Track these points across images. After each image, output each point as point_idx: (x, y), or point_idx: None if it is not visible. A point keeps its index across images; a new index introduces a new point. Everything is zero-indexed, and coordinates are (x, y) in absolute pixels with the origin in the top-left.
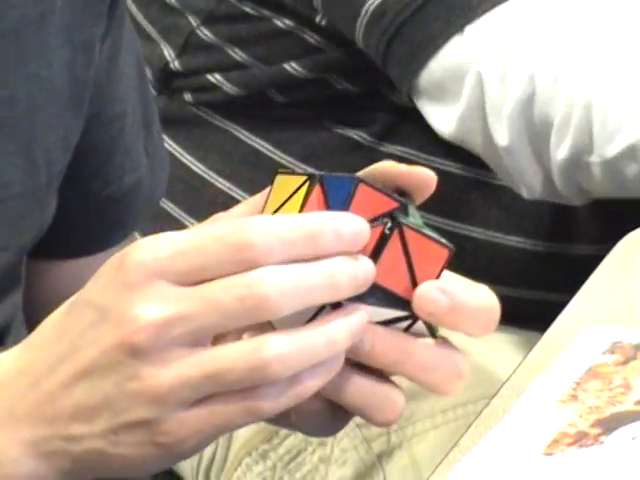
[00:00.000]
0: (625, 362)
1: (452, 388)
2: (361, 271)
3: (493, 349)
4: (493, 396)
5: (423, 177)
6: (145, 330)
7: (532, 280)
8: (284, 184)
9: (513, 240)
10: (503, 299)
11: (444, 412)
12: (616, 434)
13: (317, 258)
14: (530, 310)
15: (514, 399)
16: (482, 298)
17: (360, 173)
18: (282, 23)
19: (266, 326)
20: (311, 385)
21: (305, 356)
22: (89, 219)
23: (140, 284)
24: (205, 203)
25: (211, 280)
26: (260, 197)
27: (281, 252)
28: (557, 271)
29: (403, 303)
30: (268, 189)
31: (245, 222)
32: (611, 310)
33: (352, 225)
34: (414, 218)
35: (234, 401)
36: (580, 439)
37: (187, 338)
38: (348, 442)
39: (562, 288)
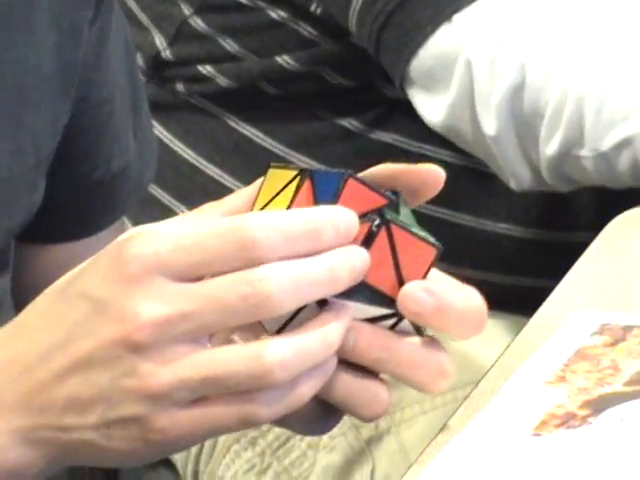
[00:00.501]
0: (614, 343)
1: (436, 387)
2: (358, 261)
3: (482, 334)
4: (481, 378)
5: (429, 174)
6: (147, 327)
7: (522, 267)
8: (276, 177)
9: (503, 227)
10: (492, 286)
11: (432, 398)
12: (604, 415)
13: (315, 253)
14: (519, 296)
15: (502, 381)
16: (469, 300)
17: (360, 174)
18: (276, 14)
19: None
20: (308, 391)
21: (304, 361)
22: (78, 203)
23: (140, 278)
24: (195, 190)
25: (211, 276)
26: (252, 188)
27: (284, 248)
28: (547, 258)
29: (389, 301)
30: (260, 180)
31: (247, 218)
32: (599, 293)
33: (345, 217)
34: (405, 216)
35: (230, 406)
36: (568, 420)
37: (188, 336)
38: (337, 428)
39: (552, 275)
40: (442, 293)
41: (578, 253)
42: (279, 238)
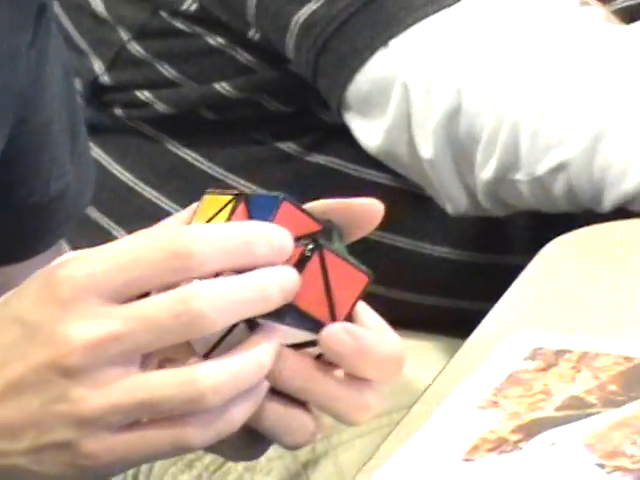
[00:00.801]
0: (546, 368)
1: (357, 419)
2: (288, 281)
3: (419, 357)
4: (415, 402)
5: (367, 208)
6: (78, 351)
7: (458, 290)
8: (211, 203)
9: (440, 250)
10: (429, 308)
11: (369, 421)
12: (535, 440)
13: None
14: (456, 319)
15: (436, 405)
16: (390, 346)
17: None
18: (214, 41)
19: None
20: (240, 415)
21: (238, 383)
22: (15, 226)
23: (72, 301)
24: (133, 213)
25: (149, 291)
26: (186, 212)
27: (219, 260)
28: (483, 281)
29: (318, 326)
30: (195, 205)
31: (183, 230)
32: (533, 316)
33: (279, 233)
34: (338, 244)
35: (163, 431)
36: (500, 445)
37: (121, 358)
38: (274, 451)
39: (488, 298)
40: (364, 337)
41: (514, 276)
42: (214, 250)
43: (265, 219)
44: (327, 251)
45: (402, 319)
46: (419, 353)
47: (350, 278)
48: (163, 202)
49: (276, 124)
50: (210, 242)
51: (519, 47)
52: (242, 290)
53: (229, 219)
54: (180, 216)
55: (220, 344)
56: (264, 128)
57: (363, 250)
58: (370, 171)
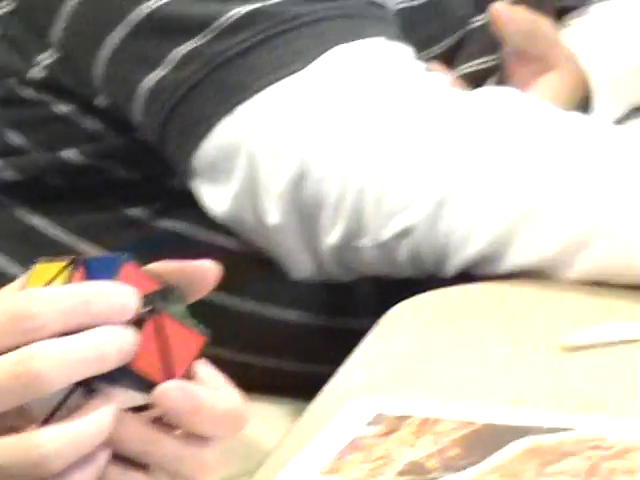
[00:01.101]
0: (388, 433)
1: (198, 479)
2: (126, 341)
3: (265, 421)
4: (259, 468)
5: (201, 270)
6: None
7: (305, 353)
8: (44, 271)
9: (286, 313)
10: (275, 371)
11: None
12: None
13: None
14: (303, 382)
15: (280, 470)
16: (226, 402)
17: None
18: (60, 109)
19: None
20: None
21: (79, 447)
22: None
23: None
24: None
25: None
26: (12, 287)
27: (58, 321)
28: (330, 345)
29: (154, 388)
30: (24, 277)
31: (22, 293)
32: (376, 381)
33: (121, 294)
34: (177, 304)
35: None
36: None
37: None
38: None
39: (335, 361)
40: (197, 393)
41: (360, 340)
42: (51, 310)
43: (106, 280)
44: (163, 313)
45: (247, 382)
46: (265, 417)
47: (186, 339)
48: (14, 269)
49: (124, 190)
50: (48, 303)
51: (363, 113)
52: (79, 350)
53: (68, 282)
54: (12, 287)
55: (59, 409)
56: (112, 194)
57: (208, 313)
58: (218, 236)
